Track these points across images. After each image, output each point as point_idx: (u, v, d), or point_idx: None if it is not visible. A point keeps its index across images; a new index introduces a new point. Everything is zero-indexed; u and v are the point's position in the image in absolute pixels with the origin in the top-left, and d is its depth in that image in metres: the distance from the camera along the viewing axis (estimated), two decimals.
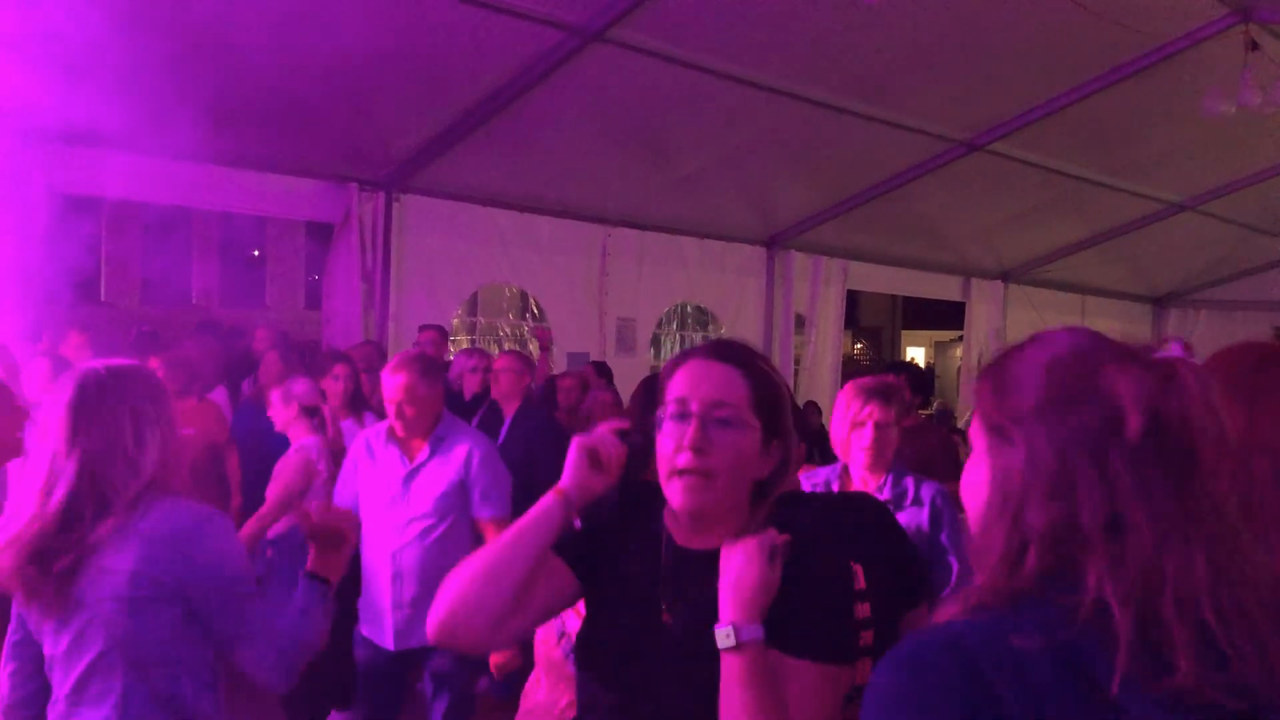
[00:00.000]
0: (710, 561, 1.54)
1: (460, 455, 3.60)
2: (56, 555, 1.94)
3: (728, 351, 1.61)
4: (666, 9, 5.22)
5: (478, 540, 3.61)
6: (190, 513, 2.01)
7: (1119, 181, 8.57)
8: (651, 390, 3.58)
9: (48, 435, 2.03)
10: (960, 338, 10.85)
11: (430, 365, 3.68)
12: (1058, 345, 1.13)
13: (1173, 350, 1.08)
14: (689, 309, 9.13)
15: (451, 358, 6.54)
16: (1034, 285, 10.82)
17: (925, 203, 8.33)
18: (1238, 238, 10.49)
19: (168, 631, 1.98)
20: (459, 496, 3.58)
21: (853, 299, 18.64)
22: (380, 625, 3.57)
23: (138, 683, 1.97)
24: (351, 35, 4.96)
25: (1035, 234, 9.77)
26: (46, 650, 2.03)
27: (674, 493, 1.53)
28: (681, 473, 1.53)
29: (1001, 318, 10.64)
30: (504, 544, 1.61)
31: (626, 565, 1.65)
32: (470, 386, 6.07)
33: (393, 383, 3.56)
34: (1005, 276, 10.58)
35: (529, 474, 4.39)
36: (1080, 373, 1.08)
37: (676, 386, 1.57)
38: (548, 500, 1.63)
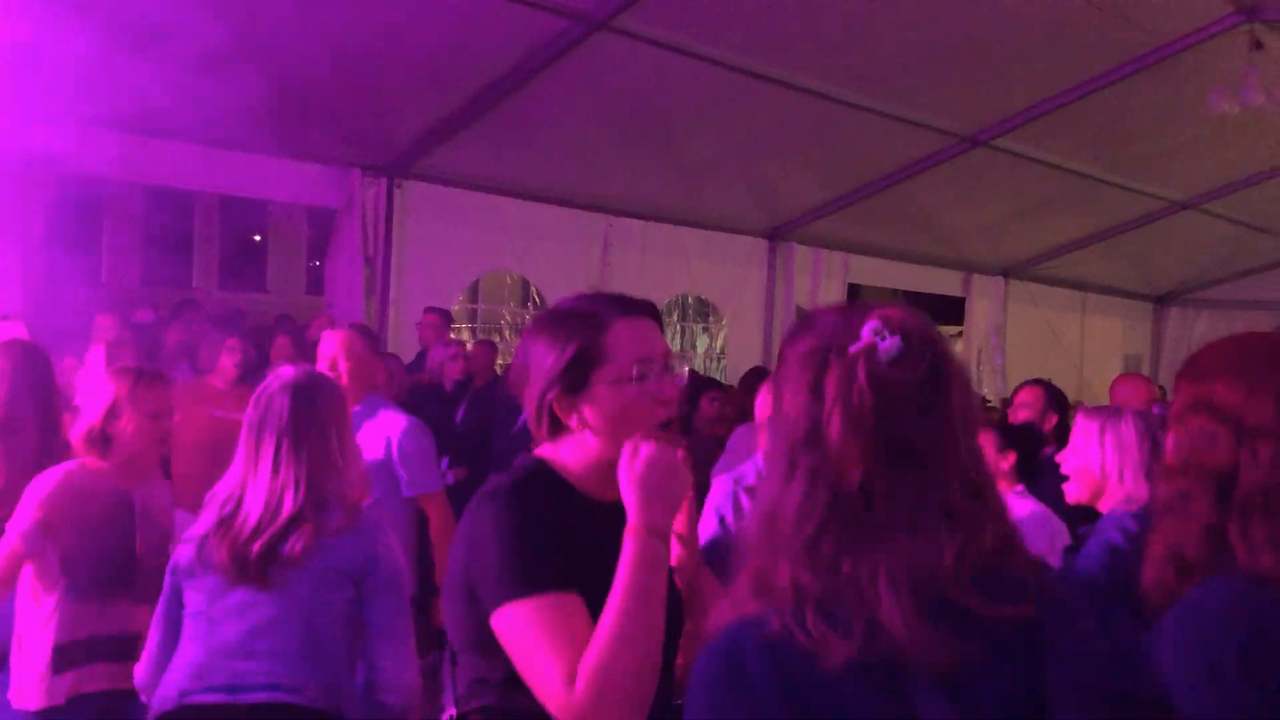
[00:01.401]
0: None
1: (385, 433, 3.58)
2: (281, 545, 2.36)
3: (649, 308, 1.75)
4: None
5: (412, 519, 3.64)
6: (368, 514, 2.52)
7: (1121, 179, 8.57)
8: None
9: (262, 437, 2.43)
10: (960, 333, 10.84)
11: (371, 333, 3.87)
12: None
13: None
14: (690, 300, 9.13)
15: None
16: (1035, 282, 10.81)
17: (927, 197, 8.32)
18: (1239, 237, 10.48)
19: (341, 607, 2.40)
20: (386, 475, 3.55)
21: (855, 292, 18.59)
22: None
23: (307, 644, 2.35)
24: (356, 20, 4.96)
25: (1037, 230, 9.76)
26: (215, 611, 2.38)
27: (652, 446, 1.60)
28: (668, 424, 1.64)
29: (1002, 314, 10.63)
30: (642, 625, 1.49)
31: (591, 552, 1.62)
32: (451, 374, 6.09)
33: (331, 339, 3.57)
34: (1006, 272, 10.57)
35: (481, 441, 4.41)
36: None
37: (635, 346, 1.65)
38: (651, 549, 1.53)
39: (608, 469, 1.63)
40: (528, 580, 1.53)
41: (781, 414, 1.16)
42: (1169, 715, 1.20)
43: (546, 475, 1.68)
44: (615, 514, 1.61)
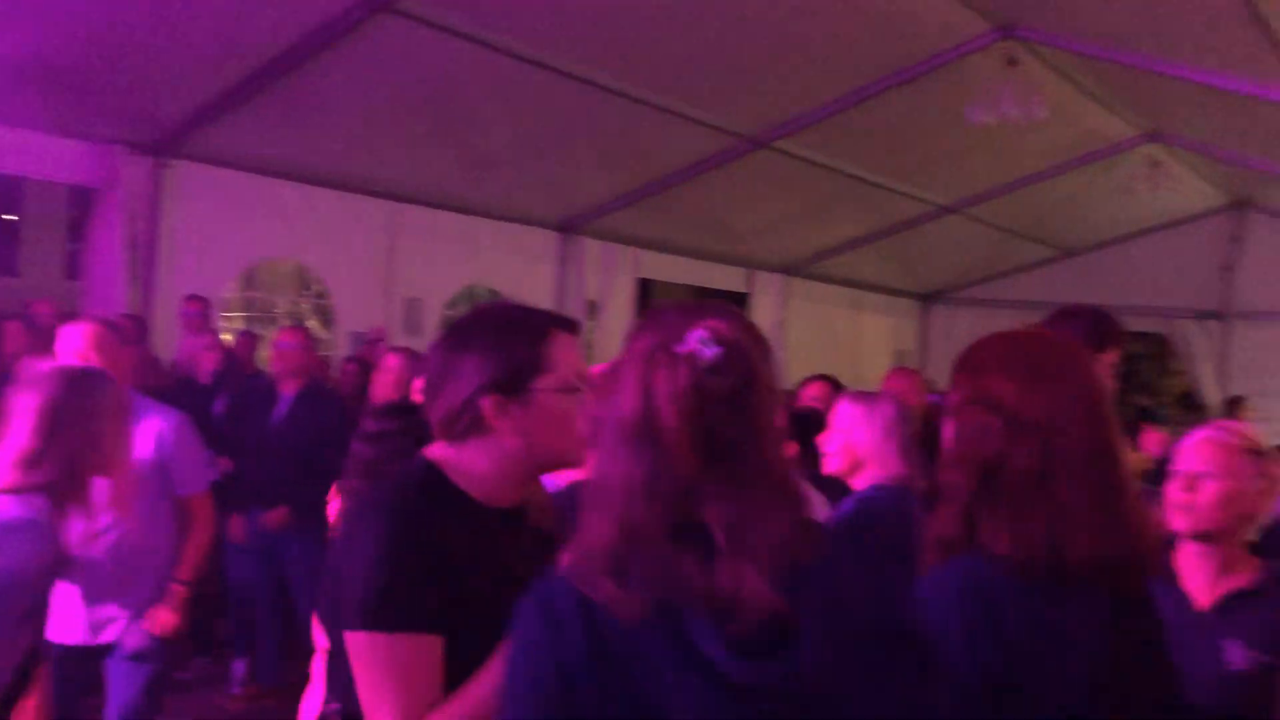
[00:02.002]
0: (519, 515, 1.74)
1: (152, 432, 3.39)
2: None
3: (578, 326, 1.83)
4: None
5: (179, 519, 3.51)
6: None
7: (893, 183, 9.04)
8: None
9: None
10: None
11: (120, 324, 3.81)
12: None
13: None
14: (480, 291, 9.03)
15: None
16: (813, 279, 11.27)
17: (714, 196, 8.54)
18: (998, 240, 11.27)
19: None
20: (156, 476, 3.38)
21: (647, 287, 18.86)
22: (71, 616, 3.28)
23: None
24: None
25: (815, 230, 10.18)
26: None
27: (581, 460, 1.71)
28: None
29: (783, 310, 11.03)
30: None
31: (481, 561, 1.64)
32: (205, 366, 5.80)
33: (76, 333, 3.32)
34: (787, 270, 10.97)
35: (316, 458, 4.24)
36: None
37: (575, 360, 1.75)
38: None
39: (520, 475, 1.72)
40: (384, 615, 1.56)
41: (617, 400, 1.29)
42: (917, 645, 1.36)
43: (439, 483, 1.69)
44: (511, 520, 1.71)
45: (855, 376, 10.05)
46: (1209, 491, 2.35)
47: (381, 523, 1.61)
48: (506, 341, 1.69)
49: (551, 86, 6.27)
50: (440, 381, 1.72)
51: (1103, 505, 1.69)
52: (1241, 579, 2.40)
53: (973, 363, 1.80)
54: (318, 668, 2.55)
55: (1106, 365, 3.25)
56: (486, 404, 1.66)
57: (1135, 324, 12.66)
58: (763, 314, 10.95)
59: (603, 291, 9.06)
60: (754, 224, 9.72)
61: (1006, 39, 6.59)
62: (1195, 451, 2.41)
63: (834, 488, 3.57)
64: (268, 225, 6.84)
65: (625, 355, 1.33)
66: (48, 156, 5.94)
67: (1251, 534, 2.48)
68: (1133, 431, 9.35)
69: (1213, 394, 11.41)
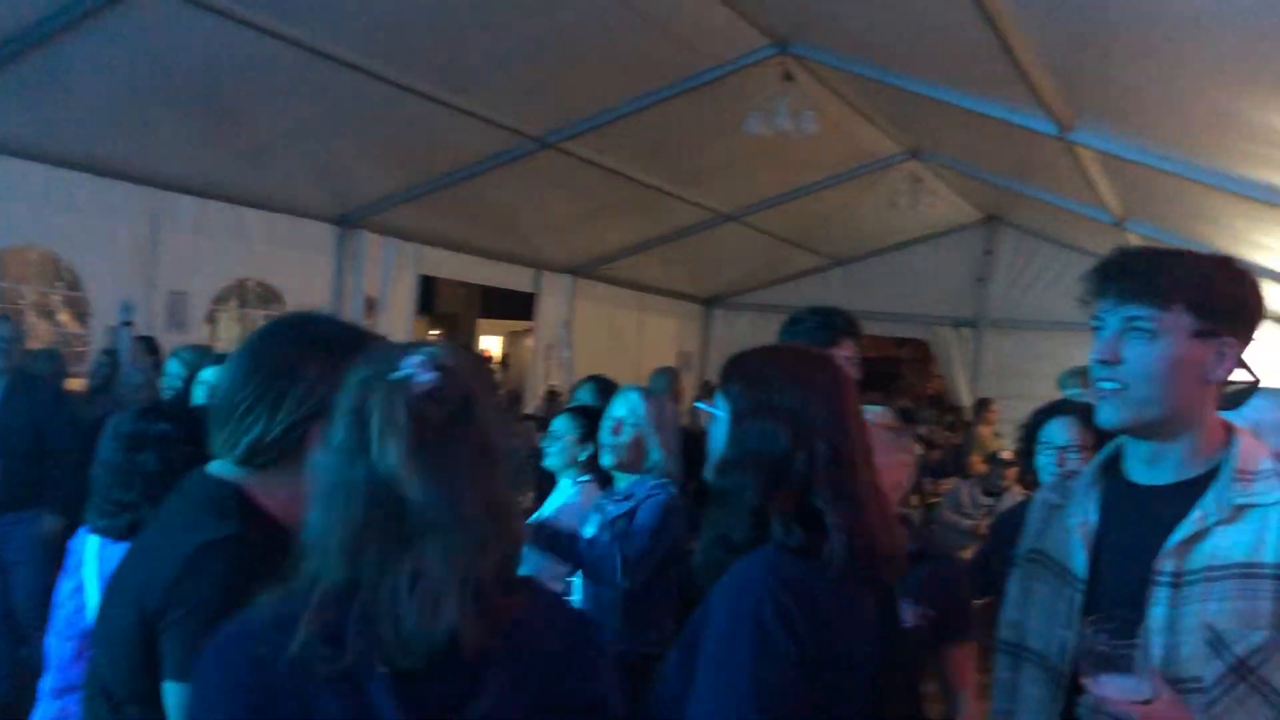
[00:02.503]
0: None
1: None
2: None
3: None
4: None
5: None
6: None
7: (676, 189, 9.24)
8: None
9: None
10: (531, 329, 11.19)
11: None
12: None
13: None
14: (252, 285, 8.62)
15: None
16: (600, 281, 11.38)
17: (500, 194, 8.47)
18: (775, 248, 11.71)
19: None
20: None
21: (431, 285, 18.53)
22: None
23: None
24: None
25: (602, 232, 10.28)
26: None
27: None
28: None
29: (570, 310, 11.08)
30: None
31: None
32: None
33: None
34: (574, 271, 11.03)
35: (36, 446, 3.97)
36: None
37: None
38: None
39: None
40: None
41: (332, 432, 1.28)
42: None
43: (258, 512, 1.61)
44: None
45: (639, 377, 10.22)
46: None
47: (231, 573, 1.49)
48: (341, 364, 1.60)
49: (330, 76, 6.05)
50: (250, 401, 1.59)
51: (876, 501, 1.87)
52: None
53: (750, 372, 1.92)
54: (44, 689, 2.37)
55: (842, 360, 3.45)
56: (312, 433, 1.56)
57: (900, 330, 13.49)
58: (550, 314, 10.98)
59: (383, 288, 8.84)
60: (541, 224, 9.72)
61: (783, 55, 6.84)
62: None
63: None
64: (13, 211, 6.29)
65: (342, 387, 1.31)
66: None
67: (900, 504, 2.94)
68: None
69: (965, 396, 12.25)
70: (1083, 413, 3.56)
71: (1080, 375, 5.14)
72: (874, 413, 2.77)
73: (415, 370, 1.25)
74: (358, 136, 7.21)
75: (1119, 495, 1.87)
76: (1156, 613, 1.73)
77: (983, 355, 12.37)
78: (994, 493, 6.75)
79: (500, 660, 1.23)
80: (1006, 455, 6.97)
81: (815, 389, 1.86)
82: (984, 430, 10.12)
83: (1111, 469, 1.91)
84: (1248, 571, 1.70)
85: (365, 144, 7.38)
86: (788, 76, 6.90)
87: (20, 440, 5.36)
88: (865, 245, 12.32)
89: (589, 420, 4.12)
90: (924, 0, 5.33)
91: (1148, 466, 1.84)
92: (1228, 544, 1.72)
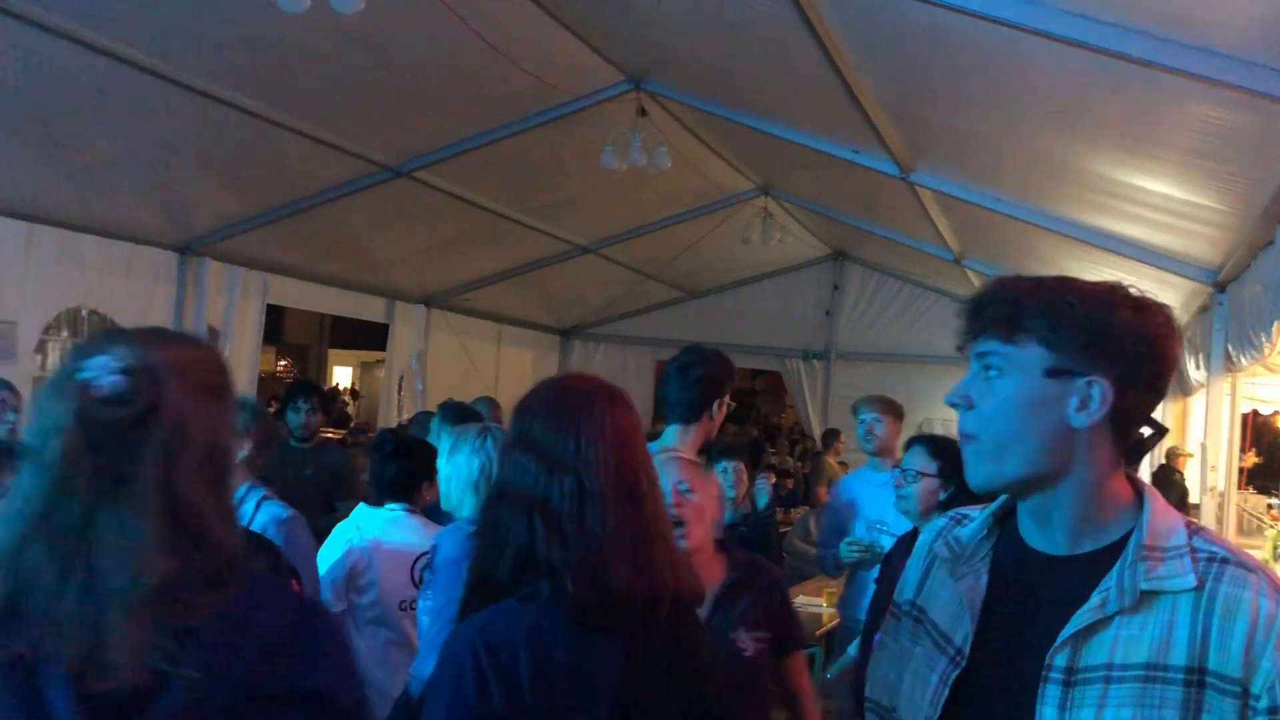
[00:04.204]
0: None
1: None
2: None
3: None
4: None
5: None
6: None
7: (532, 220, 9.24)
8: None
9: None
10: (383, 360, 10.97)
11: None
12: None
13: None
14: (85, 314, 8.21)
15: None
16: (455, 311, 11.26)
17: (352, 223, 8.32)
18: (631, 280, 11.83)
19: None
20: None
21: (279, 315, 18.00)
22: None
23: None
24: None
25: (457, 262, 10.18)
26: None
27: None
28: None
29: (424, 341, 10.92)
30: None
31: None
32: None
33: None
34: (428, 301, 10.89)
35: None
36: None
37: None
38: None
39: None
40: None
41: (25, 427, 1.28)
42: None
43: None
44: None
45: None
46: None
47: None
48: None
49: (169, 100, 5.83)
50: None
51: (632, 540, 1.81)
52: (719, 574, 2.78)
53: (520, 407, 1.93)
54: None
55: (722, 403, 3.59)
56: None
57: (754, 362, 13.77)
58: (404, 344, 10.79)
59: (227, 317, 8.53)
60: (394, 254, 9.57)
61: (637, 90, 6.95)
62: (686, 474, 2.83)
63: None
64: None
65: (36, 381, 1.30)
66: None
67: (717, 533, 2.91)
68: (755, 461, 10.10)
69: (815, 427, 12.57)
70: (937, 442, 3.80)
71: (873, 402, 5.43)
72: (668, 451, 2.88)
73: (97, 373, 1.21)
74: (201, 162, 6.97)
75: (1013, 560, 1.57)
76: (1046, 714, 1.43)
77: (832, 386, 12.73)
78: None
79: (192, 658, 1.19)
80: None
81: (573, 422, 1.84)
82: (831, 460, 10.40)
83: (1007, 522, 1.61)
84: (1151, 675, 1.40)
85: (209, 169, 7.14)
86: (642, 112, 7.01)
87: None
88: (719, 278, 12.56)
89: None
90: (773, 44, 5.50)
91: (1039, 528, 1.54)
92: (1130, 638, 1.42)
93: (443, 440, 3.67)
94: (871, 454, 5.41)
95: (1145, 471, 8.29)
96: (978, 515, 1.63)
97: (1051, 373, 1.46)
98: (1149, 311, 1.48)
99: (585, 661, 1.74)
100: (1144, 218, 5.73)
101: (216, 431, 1.29)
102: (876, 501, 5.02)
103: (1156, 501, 1.50)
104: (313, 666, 1.30)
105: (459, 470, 3.38)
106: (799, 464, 11.60)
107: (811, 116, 6.68)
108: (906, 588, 1.69)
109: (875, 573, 4.43)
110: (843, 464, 10.09)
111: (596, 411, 1.87)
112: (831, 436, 10.88)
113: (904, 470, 3.83)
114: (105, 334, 1.31)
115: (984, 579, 1.57)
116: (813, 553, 6.65)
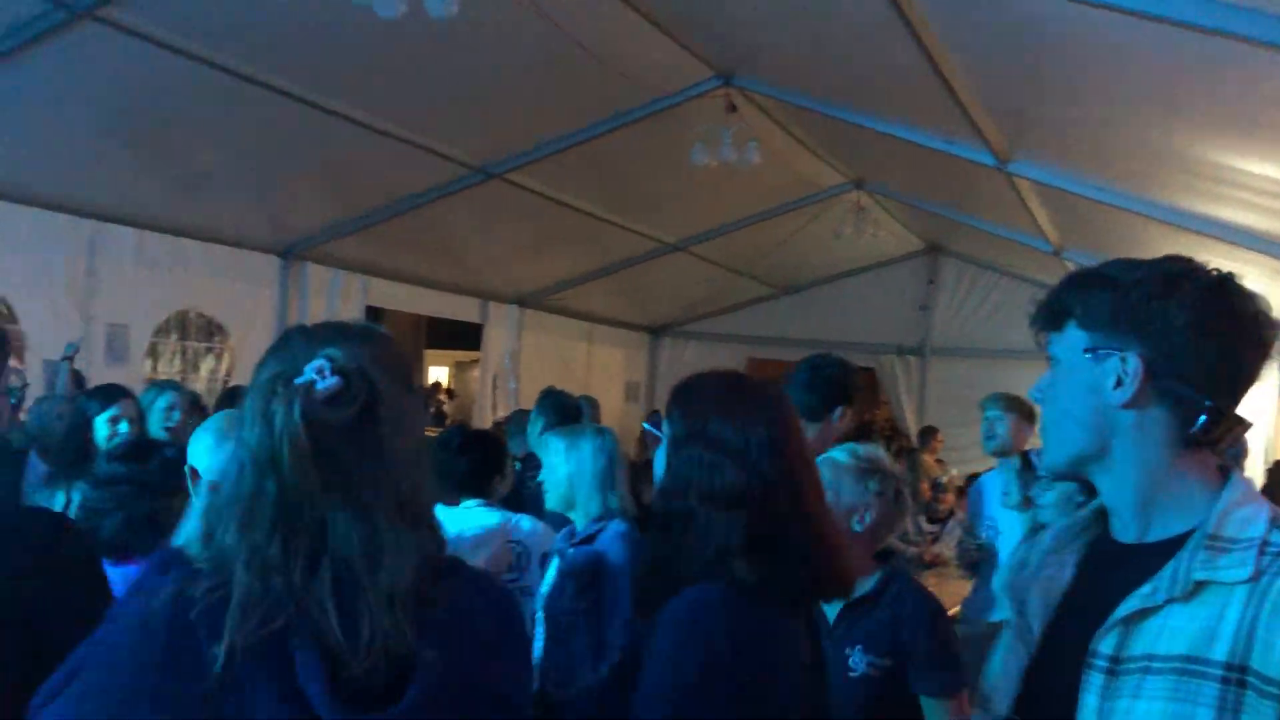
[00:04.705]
0: None
1: None
2: None
3: None
4: None
5: None
6: None
7: (622, 219, 9.27)
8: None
9: None
10: (478, 360, 11.13)
11: None
12: None
13: None
14: (193, 317, 8.49)
15: None
16: (546, 311, 11.36)
17: (445, 225, 8.45)
18: (721, 277, 11.78)
19: None
20: None
21: (376, 317, 18.35)
22: None
23: None
24: None
25: (548, 262, 10.28)
26: None
27: None
28: None
29: (517, 340, 11.05)
30: None
31: None
32: None
33: None
34: (520, 302, 11.00)
35: None
36: None
37: None
38: None
39: None
40: None
41: (243, 430, 1.27)
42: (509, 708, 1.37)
43: None
44: None
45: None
46: None
47: None
48: None
49: (271, 108, 6.01)
50: None
51: (813, 530, 1.85)
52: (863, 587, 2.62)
53: (690, 400, 1.92)
54: None
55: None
56: None
57: (847, 359, 13.60)
58: (497, 344, 10.93)
59: (328, 319, 8.74)
60: (487, 255, 9.69)
61: (727, 87, 6.92)
62: None
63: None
64: None
65: (252, 383, 1.32)
66: None
67: (884, 543, 2.79)
68: None
69: (911, 424, 12.37)
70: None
71: (997, 399, 5.24)
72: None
73: (315, 375, 1.24)
74: (301, 168, 7.16)
75: (1099, 550, 1.57)
76: (1087, 703, 1.40)
77: (928, 383, 12.51)
78: (936, 520, 6.82)
79: (431, 649, 1.24)
80: (953, 481, 7.05)
81: (751, 415, 1.87)
82: (929, 458, 10.23)
83: (1103, 519, 1.60)
84: (1187, 668, 1.33)
85: (309, 175, 7.33)
86: (731, 108, 6.97)
87: None
88: (811, 274, 12.44)
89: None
90: (864, 34, 5.42)
91: (1113, 514, 1.54)
92: (1175, 628, 1.36)
93: (552, 441, 3.65)
94: (992, 454, 5.25)
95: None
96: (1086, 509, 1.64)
97: (1089, 350, 1.48)
98: (1209, 293, 1.43)
99: (788, 643, 1.78)
100: (1256, 204, 5.51)
101: (416, 420, 1.36)
102: (993, 500, 4.96)
103: (1238, 491, 1.43)
104: (517, 660, 1.38)
105: (584, 468, 3.36)
106: (895, 461, 11.38)
107: (904, 107, 6.57)
108: (1013, 590, 1.68)
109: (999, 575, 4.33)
110: (940, 461, 9.91)
111: (770, 404, 1.91)
112: (928, 434, 10.69)
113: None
114: (300, 331, 1.36)
115: (1069, 571, 1.57)
116: (910, 551, 6.55)
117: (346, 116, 6.32)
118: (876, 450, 2.93)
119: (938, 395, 12.30)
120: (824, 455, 2.75)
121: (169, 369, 8.16)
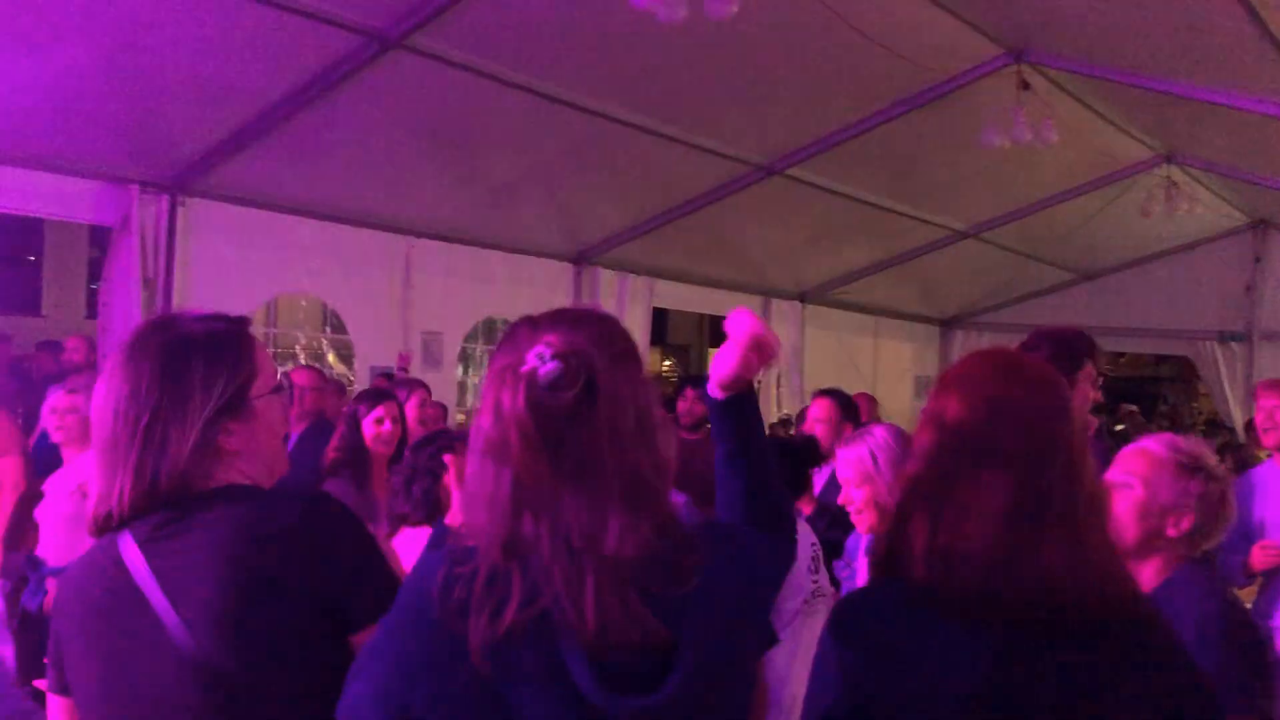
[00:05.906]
0: None
1: None
2: None
3: None
4: (468, 20, 5.18)
5: None
6: None
7: (907, 208, 9.02)
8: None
9: None
10: None
11: None
12: None
13: None
14: (497, 324, 9.03)
15: None
16: (829, 306, 11.23)
17: (727, 224, 8.54)
18: (1015, 264, 11.22)
19: None
20: None
21: (661, 317, 18.85)
22: None
23: None
24: (129, 22, 4.69)
25: (830, 256, 10.15)
26: None
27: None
28: None
29: (800, 337, 10.98)
30: None
31: None
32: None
33: None
34: (803, 297, 10.93)
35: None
36: None
37: (268, 356, 1.78)
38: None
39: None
40: None
41: (480, 419, 1.32)
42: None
43: None
44: None
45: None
46: (1122, 502, 2.23)
47: None
48: (228, 357, 1.64)
49: (561, 119, 6.30)
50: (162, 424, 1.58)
51: (1023, 530, 1.49)
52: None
53: (939, 382, 1.71)
54: None
55: (1083, 382, 3.22)
56: (224, 428, 1.61)
57: (1158, 347, 12.61)
58: (780, 341, 10.89)
59: None
60: (768, 251, 9.71)
61: (1018, 63, 6.57)
62: (1121, 462, 2.33)
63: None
64: (283, 261, 6.88)
65: (487, 374, 1.37)
66: (64, 196, 5.98)
67: (1205, 547, 2.34)
68: None
69: (1237, 417, 11.27)
70: None
71: (1274, 384, 4.61)
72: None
73: (538, 361, 1.27)
74: (589, 176, 7.46)
75: None
76: None
77: (1256, 371, 11.34)
78: None
79: (690, 629, 1.25)
80: None
81: (979, 399, 1.59)
82: (1260, 455, 9.26)
83: None
84: None
85: (597, 183, 7.62)
86: (1024, 85, 6.62)
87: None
88: (1114, 257, 11.59)
89: (796, 452, 4.11)
90: None
91: None
92: None
93: None
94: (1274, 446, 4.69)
95: None
96: None
97: None
98: None
99: (941, 652, 1.47)
100: None
101: (639, 395, 1.35)
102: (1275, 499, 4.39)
103: None
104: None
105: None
106: (1221, 459, 10.40)
107: (1222, 70, 6.00)
108: None
109: None
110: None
111: (1022, 387, 1.60)
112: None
113: None
114: (526, 321, 1.39)
115: None
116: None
117: (633, 124, 6.52)
118: (1200, 445, 2.47)
119: None
120: (1136, 445, 2.44)
121: (478, 373, 8.72)
